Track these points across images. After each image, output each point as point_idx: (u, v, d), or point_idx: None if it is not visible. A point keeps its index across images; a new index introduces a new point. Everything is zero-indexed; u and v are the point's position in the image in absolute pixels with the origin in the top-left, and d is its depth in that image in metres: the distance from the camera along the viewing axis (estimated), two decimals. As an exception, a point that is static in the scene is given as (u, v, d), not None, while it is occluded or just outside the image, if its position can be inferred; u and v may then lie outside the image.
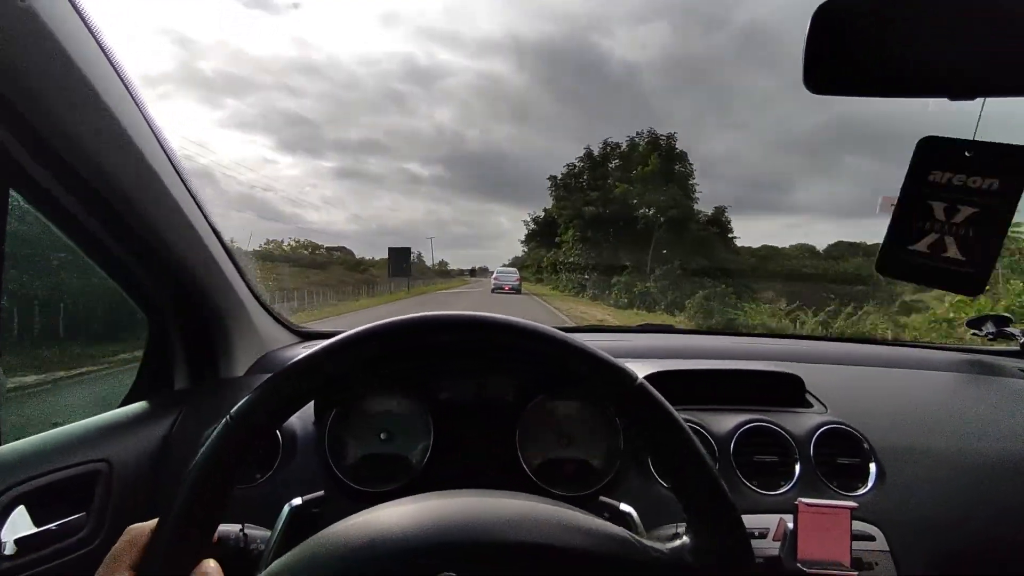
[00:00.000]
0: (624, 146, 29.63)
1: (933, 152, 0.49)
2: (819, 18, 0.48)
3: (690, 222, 26.39)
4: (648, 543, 0.45)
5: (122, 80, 0.66)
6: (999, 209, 0.47)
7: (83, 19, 0.59)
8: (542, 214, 36.38)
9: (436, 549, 0.41)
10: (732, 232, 28.28)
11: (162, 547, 0.42)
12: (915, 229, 0.49)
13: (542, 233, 36.31)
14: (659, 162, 26.82)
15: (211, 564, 0.44)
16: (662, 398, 0.45)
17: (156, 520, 0.44)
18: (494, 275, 30.77)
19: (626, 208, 26.90)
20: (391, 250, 27.76)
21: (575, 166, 31.30)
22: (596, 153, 30.68)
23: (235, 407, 0.45)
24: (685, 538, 0.45)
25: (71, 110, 0.61)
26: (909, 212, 0.49)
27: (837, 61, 0.49)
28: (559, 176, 31.68)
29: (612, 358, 0.46)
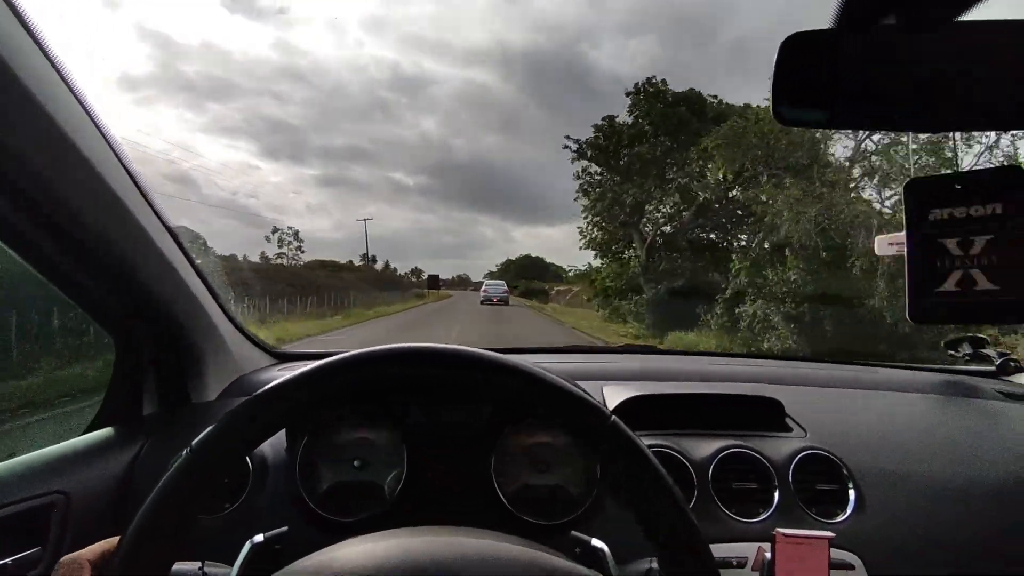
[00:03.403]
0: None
1: (922, 193, 0.48)
2: (786, 51, 0.47)
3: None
4: None
5: (71, 90, 0.62)
6: (1015, 229, 0.45)
7: (28, 30, 0.55)
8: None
9: None
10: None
11: None
12: (937, 271, 0.47)
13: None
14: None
15: None
16: (635, 437, 0.45)
17: (89, 548, 0.43)
18: (483, 287, 31.18)
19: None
20: None
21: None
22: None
23: (197, 438, 0.44)
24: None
25: (13, 122, 0.57)
26: (923, 256, 0.47)
27: (806, 95, 0.49)
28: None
29: (585, 394, 0.46)
